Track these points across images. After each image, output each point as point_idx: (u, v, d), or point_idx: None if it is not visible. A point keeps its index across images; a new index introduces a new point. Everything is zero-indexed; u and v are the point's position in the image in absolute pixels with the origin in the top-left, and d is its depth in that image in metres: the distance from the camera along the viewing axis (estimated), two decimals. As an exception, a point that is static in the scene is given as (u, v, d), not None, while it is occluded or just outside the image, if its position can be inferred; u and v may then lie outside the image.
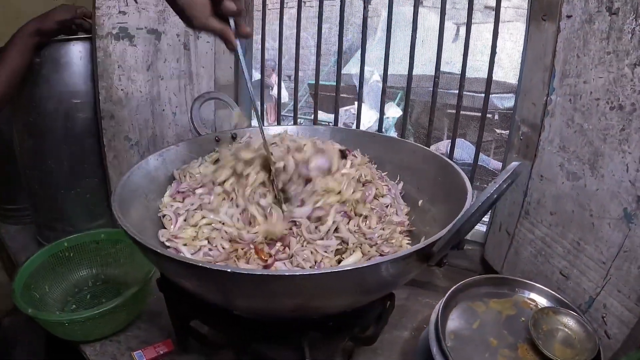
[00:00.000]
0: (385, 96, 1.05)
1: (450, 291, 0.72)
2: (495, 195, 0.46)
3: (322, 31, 1.12)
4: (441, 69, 1.02)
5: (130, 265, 0.94)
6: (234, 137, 0.84)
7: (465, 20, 0.98)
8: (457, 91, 0.96)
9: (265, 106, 1.32)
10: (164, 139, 0.96)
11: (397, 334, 0.81)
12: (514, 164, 0.47)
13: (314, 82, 1.17)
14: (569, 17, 0.76)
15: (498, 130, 2.54)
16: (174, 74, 0.94)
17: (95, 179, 0.94)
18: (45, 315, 0.79)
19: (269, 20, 1.21)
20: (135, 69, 0.89)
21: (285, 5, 1.13)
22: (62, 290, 0.92)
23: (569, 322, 0.70)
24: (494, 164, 2.49)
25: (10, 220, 1.16)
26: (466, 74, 0.97)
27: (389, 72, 1.03)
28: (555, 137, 0.78)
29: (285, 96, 3.34)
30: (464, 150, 2.17)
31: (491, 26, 0.94)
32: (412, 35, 0.96)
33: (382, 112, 1.03)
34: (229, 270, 0.43)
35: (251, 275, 0.43)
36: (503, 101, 2.62)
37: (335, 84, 1.13)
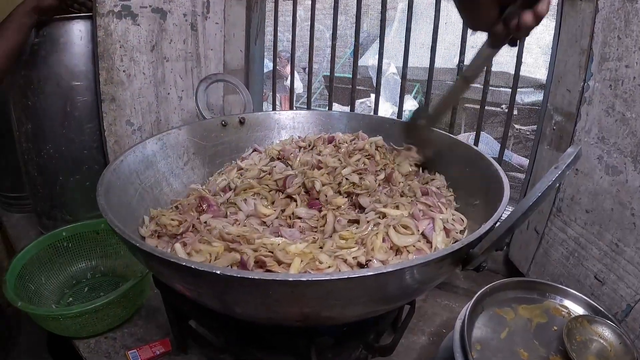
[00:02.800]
0: (405, 85, 0.93)
1: (476, 296, 0.60)
2: (557, 183, 0.35)
3: (337, 22, 1.00)
4: (457, 61, 0.90)
5: (131, 257, 0.83)
6: (241, 122, 0.72)
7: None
8: (475, 84, 0.85)
9: (279, 97, 1.20)
10: (169, 124, 0.85)
11: (414, 339, 0.69)
12: (572, 148, 0.39)
13: (328, 73, 1.05)
14: (608, -6, 0.63)
15: (517, 126, 2.37)
16: (180, 56, 0.83)
17: (96, 166, 0.84)
18: (34, 309, 0.68)
19: (284, 12, 1.09)
20: (139, 50, 0.78)
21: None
22: (59, 282, 0.82)
23: (604, 333, 0.59)
24: (517, 159, 2.33)
25: (13, 208, 1.06)
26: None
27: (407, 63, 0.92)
28: (593, 126, 0.66)
29: (299, 87, 3.18)
30: (487, 145, 2.03)
31: None
32: (434, 28, 0.84)
33: (401, 102, 0.91)
34: (218, 272, 0.31)
35: (250, 280, 0.32)
36: (522, 96, 2.45)
37: (350, 76, 1.02)
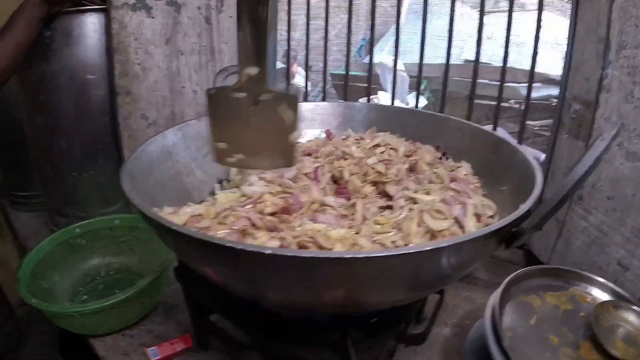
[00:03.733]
0: (420, 79, 0.91)
1: (504, 283, 0.59)
2: (604, 154, 0.36)
3: (343, 21, 0.99)
4: (464, 58, 0.89)
5: (146, 253, 0.80)
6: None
7: (490, 9, 0.85)
8: (485, 81, 0.84)
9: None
10: (184, 118, 0.83)
11: (437, 330, 0.67)
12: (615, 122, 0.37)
13: (335, 71, 1.03)
14: (624, -17, 0.63)
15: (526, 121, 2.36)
16: (195, 49, 0.80)
17: (110, 161, 0.81)
18: (49, 306, 0.65)
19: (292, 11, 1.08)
20: (153, 43, 0.76)
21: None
22: (72, 280, 0.78)
23: (630, 318, 0.58)
24: (531, 151, 2.30)
25: (22, 207, 1.03)
26: (493, 63, 0.85)
27: (412, 61, 0.91)
28: (612, 114, 0.65)
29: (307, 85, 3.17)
30: None
31: (520, 15, 0.81)
32: (449, 26, 0.83)
33: (418, 96, 0.89)
34: (267, 253, 0.29)
35: (302, 259, 0.29)
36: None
37: (357, 73, 1.00)
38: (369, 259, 0.29)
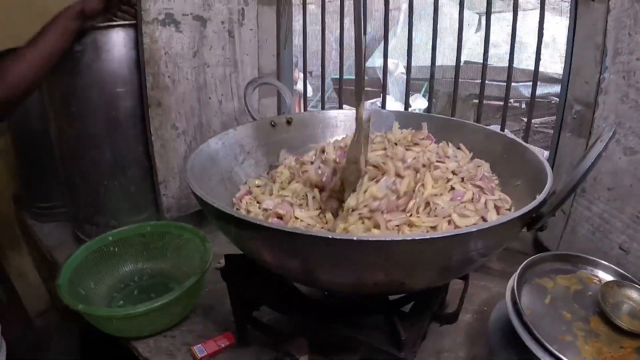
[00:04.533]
0: (432, 81, 0.98)
1: (520, 267, 0.68)
2: (604, 152, 0.45)
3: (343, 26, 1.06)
4: (465, 59, 0.98)
5: (177, 258, 0.86)
6: (289, 122, 0.77)
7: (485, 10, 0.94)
8: (487, 81, 0.93)
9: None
10: (211, 127, 0.89)
11: (460, 316, 0.76)
12: (609, 127, 0.48)
13: (336, 76, 1.11)
14: (618, -4, 0.73)
15: (526, 119, 2.47)
16: (220, 62, 0.87)
17: (140, 170, 0.86)
18: (97, 310, 0.71)
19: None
20: (182, 56, 0.82)
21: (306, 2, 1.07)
22: (107, 286, 0.83)
23: (633, 295, 0.67)
24: (535, 149, 2.40)
25: (44, 218, 1.07)
26: (492, 64, 0.94)
27: (414, 63, 0.98)
28: (610, 114, 0.75)
29: (309, 91, 3.24)
30: None
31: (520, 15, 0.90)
32: (458, 31, 0.91)
33: (430, 99, 0.97)
34: (354, 239, 0.36)
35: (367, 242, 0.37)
36: (530, 89, 2.57)
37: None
38: (425, 240, 0.37)
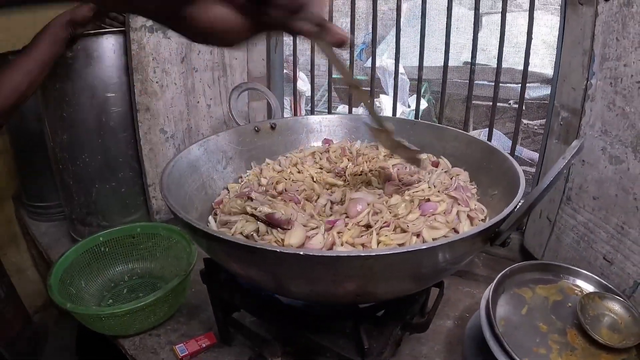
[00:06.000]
0: (420, 84, 1.01)
1: (498, 277, 0.70)
2: (565, 170, 0.47)
3: (344, 25, 1.09)
4: (464, 60, 0.99)
5: (165, 259, 0.92)
6: (272, 127, 0.81)
7: (488, 10, 0.96)
8: (484, 82, 0.94)
9: (288, 100, 1.29)
10: (199, 131, 0.94)
11: (440, 323, 0.79)
12: (576, 142, 0.50)
13: (336, 76, 1.14)
14: (606, 0, 0.73)
15: (525, 121, 2.44)
16: (208, 66, 0.92)
17: (130, 173, 0.92)
18: (85, 309, 0.76)
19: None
20: (170, 61, 0.87)
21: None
22: (98, 285, 0.89)
23: (614, 307, 0.68)
24: (527, 153, 2.43)
25: (41, 217, 1.14)
26: (492, 65, 0.95)
27: (413, 64, 1.01)
28: (596, 121, 0.76)
29: (308, 90, 3.30)
30: (498, 140, 2.12)
31: (515, 15, 0.91)
32: (446, 29, 0.93)
33: (418, 101, 1.00)
34: (301, 253, 0.40)
35: (323, 258, 0.41)
36: (529, 91, 2.54)
37: (359, 78, 1.11)
38: (381, 256, 0.40)
